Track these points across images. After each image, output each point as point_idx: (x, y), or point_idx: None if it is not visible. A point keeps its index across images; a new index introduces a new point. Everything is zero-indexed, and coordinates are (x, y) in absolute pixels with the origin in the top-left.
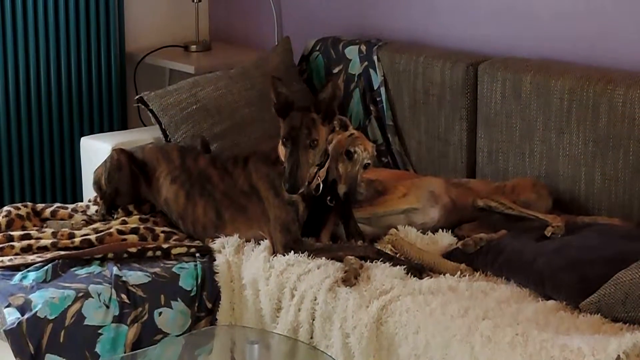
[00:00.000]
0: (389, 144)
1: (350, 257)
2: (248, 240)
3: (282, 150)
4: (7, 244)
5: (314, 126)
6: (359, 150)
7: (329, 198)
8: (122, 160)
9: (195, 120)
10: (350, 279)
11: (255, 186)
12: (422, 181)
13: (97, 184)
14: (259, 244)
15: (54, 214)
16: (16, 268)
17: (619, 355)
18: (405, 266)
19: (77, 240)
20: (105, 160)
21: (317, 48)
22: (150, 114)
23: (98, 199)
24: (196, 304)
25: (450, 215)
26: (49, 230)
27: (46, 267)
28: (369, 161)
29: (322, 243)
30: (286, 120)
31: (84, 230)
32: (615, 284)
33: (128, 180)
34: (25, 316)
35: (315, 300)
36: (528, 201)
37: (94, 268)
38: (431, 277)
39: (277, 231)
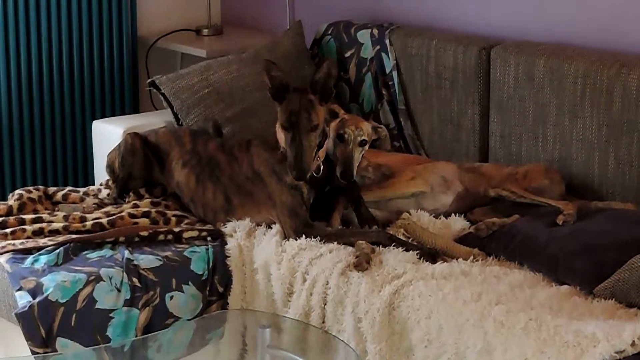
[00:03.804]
0: (401, 128)
1: (361, 242)
2: (259, 224)
3: (281, 136)
4: (18, 227)
5: (313, 108)
6: (349, 131)
7: (336, 178)
8: (136, 144)
9: (206, 104)
10: (362, 264)
11: (258, 171)
12: (434, 166)
13: (110, 168)
14: (271, 227)
15: (65, 197)
16: (28, 251)
17: (633, 341)
18: (417, 251)
19: (88, 223)
20: (119, 145)
21: (329, 32)
22: (162, 98)
23: (110, 183)
24: (207, 288)
25: (462, 201)
26: (60, 214)
27: (58, 251)
28: (365, 138)
29: (334, 228)
30: (283, 105)
31: (96, 214)
32: (629, 269)
33: (141, 165)
34: (37, 300)
35: (327, 284)
36: (541, 187)
37: (106, 252)
38: (444, 262)
39: (286, 216)
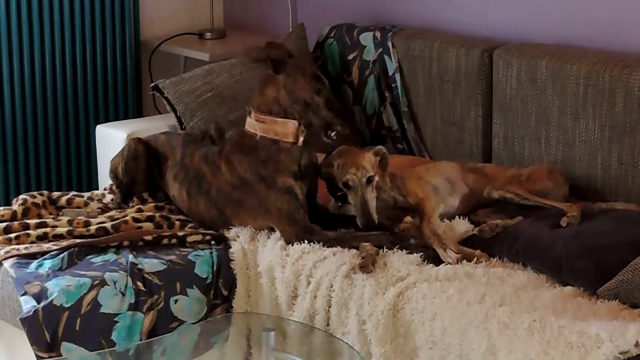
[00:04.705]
0: (404, 130)
1: (365, 243)
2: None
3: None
4: (23, 232)
5: None
6: (352, 177)
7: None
8: (140, 149)
9: (210, 108)
10: (367, 266)
11: (244, 178)
12: (436, 167)
13: (113, 173)
14: (274, 231)
15: (69, 202)
16: (32, 256)
17: (637, 342)
18: (422, 253)
19: (92, 228)
20: (122, 150)
21: (332, 35)
22: (166, 102)
23: (114, 188)
24: (212, 292)
25: (467, 202)
26: (64, 218)
27: (62, 255)
28: (370, 174)
29: (335, 232)
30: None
31: (100, 218)
32: (633, 270)
33: (145, 170)
34: (41, 304)
35: (331, 287)
36: (544, 189)
37: (110, 256)
38: (448, 264)
39: (284, 224)
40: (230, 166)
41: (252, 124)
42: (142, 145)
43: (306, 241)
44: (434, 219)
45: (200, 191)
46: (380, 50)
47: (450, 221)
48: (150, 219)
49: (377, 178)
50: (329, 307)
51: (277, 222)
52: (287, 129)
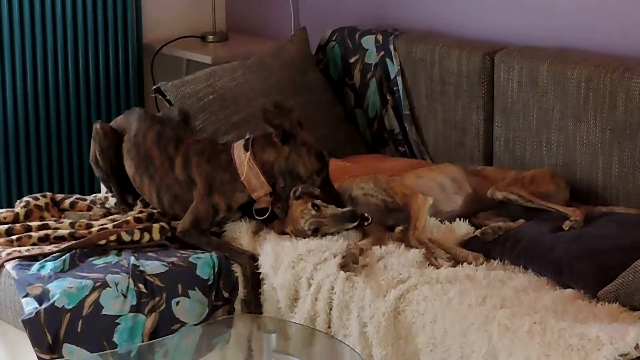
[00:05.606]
0: (405, 133)
1: (350, 243)
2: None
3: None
4: (24, 234)
5: None
6: (309, 226)
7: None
8: (106, 128)
9: (212, 110)
10: (348, 264)
11: (192, 177)
12: (441, 168)
13: (95, 165)
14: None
15: (73, 205)
16: (34, 258)
17: (637, 344)
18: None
19: (94, 230)
20: (92, 138)
21: (334, 38)
22: (167, 104)
23: (107, 191)
24: (213, 293)
25: (470, 204)
26: (66, 221)
27: (64, 257)
28: (310, 210)
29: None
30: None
31: (102, 220)
32: (633, 273)
33: (117, 147)
34: (43, 306)
35: (332, 289)
36: (547, 193)
37: (112, 258)
38: (451, 265)
39: (188, 219)
40: (186, 164)
41: (241, 159)
42: (107, 126)
43: (189, 238)
44: (420, 224)
45: (147, 173)
46: (382, 53)
47: (451, 223)
48: (150, 216)
49: (318, 201)
50: (330, 309)
51: (187, 214)
52: (261, 190)
